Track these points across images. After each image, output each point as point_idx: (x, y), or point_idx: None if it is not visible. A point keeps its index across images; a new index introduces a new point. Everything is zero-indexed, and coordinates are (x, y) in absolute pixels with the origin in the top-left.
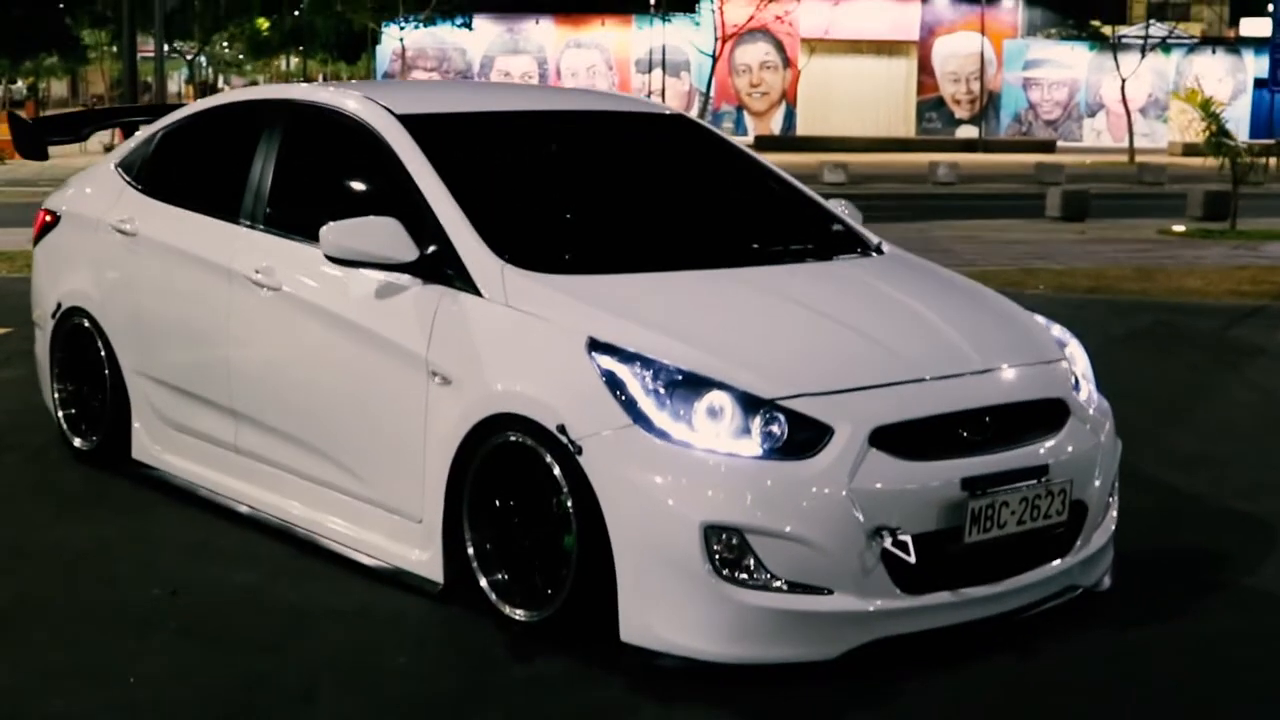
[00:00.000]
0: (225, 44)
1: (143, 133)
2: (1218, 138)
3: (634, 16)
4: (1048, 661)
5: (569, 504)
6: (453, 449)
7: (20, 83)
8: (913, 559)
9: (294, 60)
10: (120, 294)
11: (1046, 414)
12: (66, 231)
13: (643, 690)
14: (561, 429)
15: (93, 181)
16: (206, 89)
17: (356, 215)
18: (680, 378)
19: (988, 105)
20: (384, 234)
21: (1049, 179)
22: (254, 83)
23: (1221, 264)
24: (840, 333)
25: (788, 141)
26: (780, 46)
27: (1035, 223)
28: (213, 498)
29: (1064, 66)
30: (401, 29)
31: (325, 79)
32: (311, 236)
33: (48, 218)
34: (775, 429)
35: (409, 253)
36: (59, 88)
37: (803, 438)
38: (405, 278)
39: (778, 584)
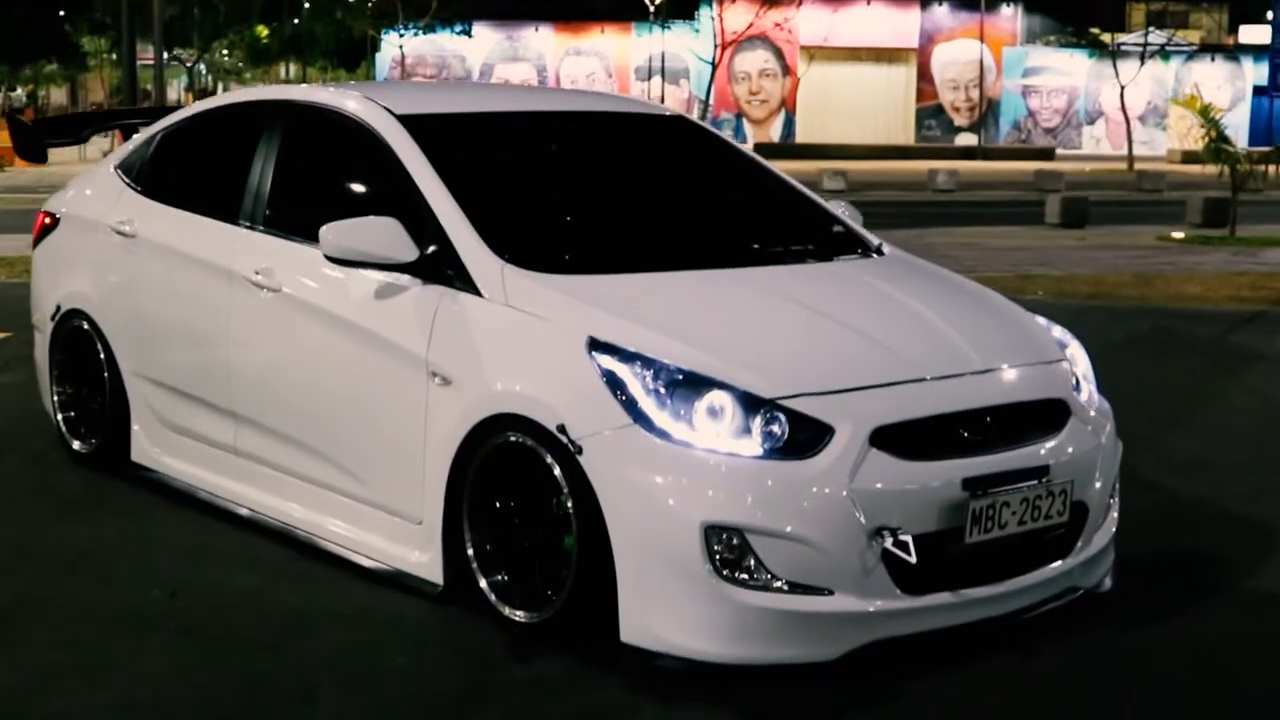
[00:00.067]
0: (225, 51)
1: (142, 134)
2: (1217, 144)
3: (633, 24)
4: (1049, 663)
5: (569, 504)
6: (453, 450)
7: (19, 90)
8: (913, 559)
9: (294, 67)
10: (120, 296)
11: (1047, 414)
12: (66, 233)
13: (643, 691)
14: (562, 429)
15: (92, 183)
16: (206, 96)
17: (356, 216)
18: (681, 377)
19: (987, 113)
20: (384, 234)
21: (1048, 186)
22: None
23: (1221, 270)
24: (841, 332)
25: (787, 149)
26: (779, 54)
27: (1034, 229)
28: (212, 500)
29: (1063, 74)
30: (401, 36)
31: None
32: (311, 237)
33: (47, 220)
34: (776, 429)
35: (409, 253)
36: (58, 95)
37: (803, 437)
38: (405, 278)
39: (778, 584)
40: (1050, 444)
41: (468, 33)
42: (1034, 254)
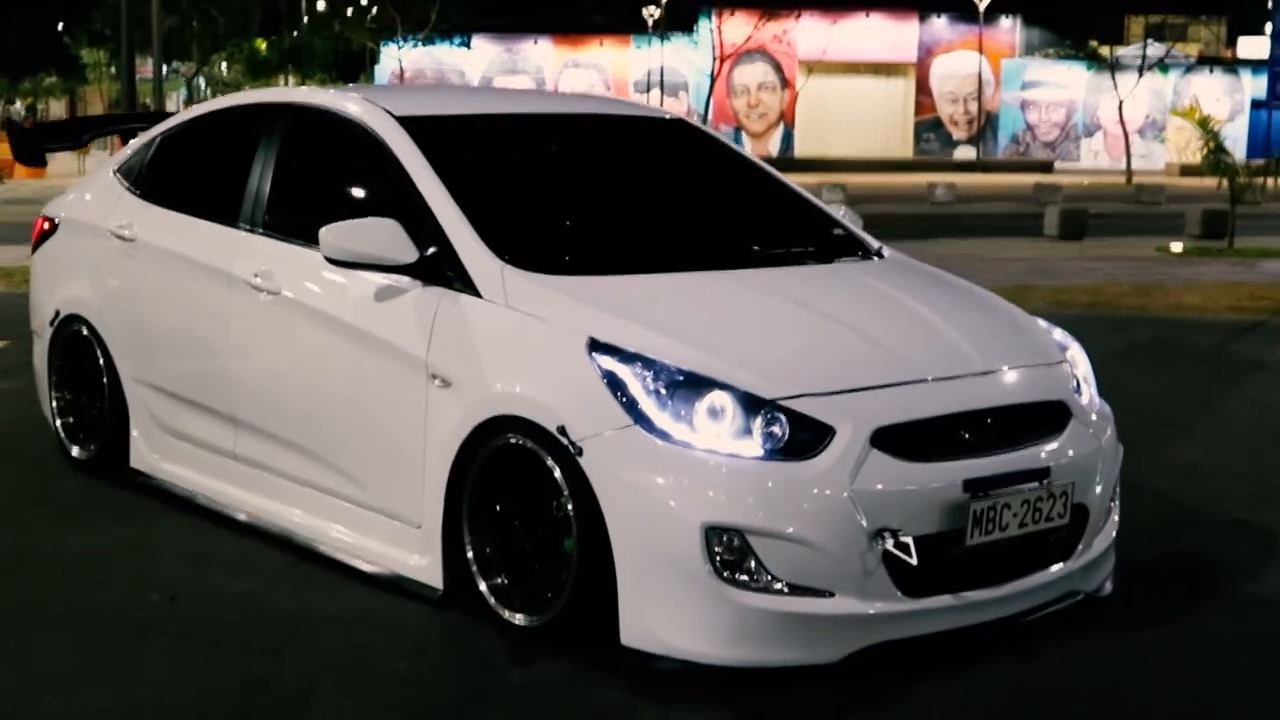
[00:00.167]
0: (224, 64)
1: (141, 138)
2: (1216, 154)
3: (632, 36)
4: (1049, 665)
5: (569, 506)
6: (452, 452)
7: (19, 103)
8: (914, 561)
9: (293, 80)
10: (119, 301)
11: (1048, 416)
12: (65, 238)
13: (643, 693)
14: (562, 430)
15: (91, 187)
16: None
17: (356, 218)
18: (681, 378)
19: (985, 126)
20: (383, 235)
21: (1047, 199)
22: None
23: (1220, 281)
24: (841, 333)
25: (785, 163)
26: (778, 67)
27: (1033, 241)
28: (211, 505)
29: (1061, 87)
30: (400, 48)
31: None
32: (311, 240)
33: (46, 225)
34: (776, 429)
35: (408, 254)
36: (57, 108)
37: (804, 438)
38: (405, 280)
39: (779, 586)
40: (1051, 446)
41: (466, 45)
42: (1033, 265)
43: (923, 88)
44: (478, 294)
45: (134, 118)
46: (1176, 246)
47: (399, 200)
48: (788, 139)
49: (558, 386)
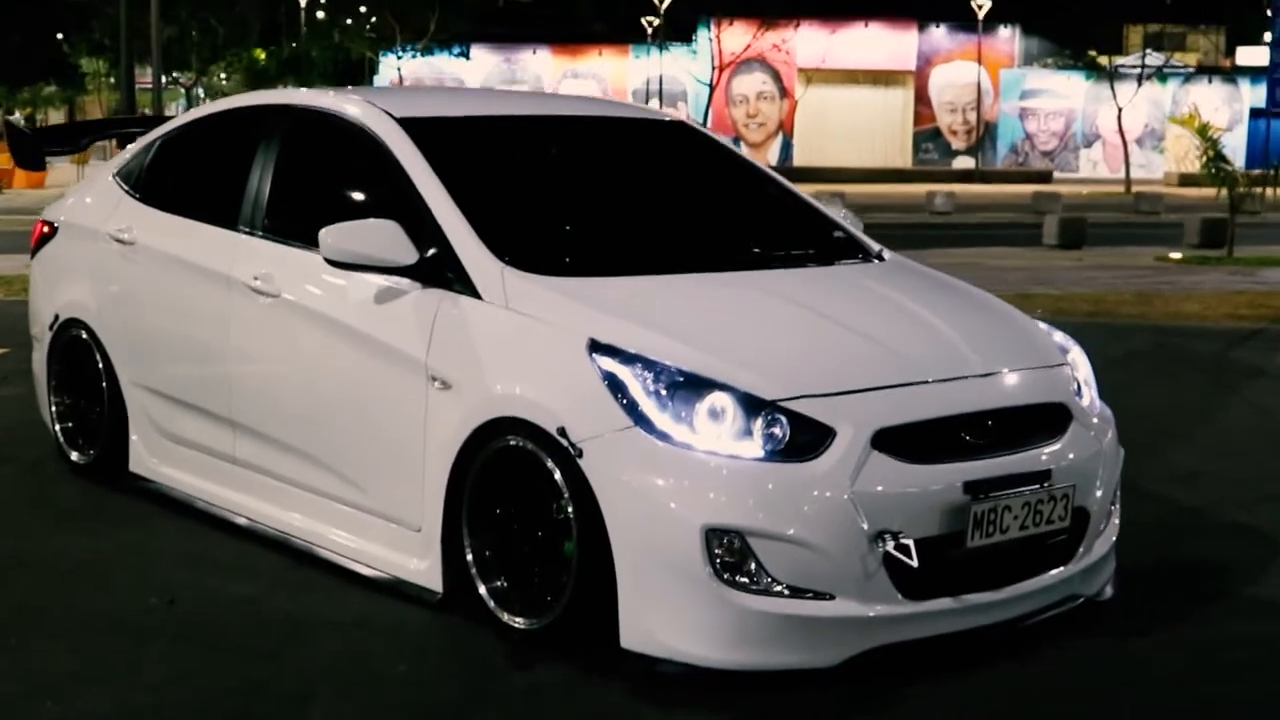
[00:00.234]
0: (223, 74)
1: (140, 141)
2: (1215, 163)
3: (631, 46)
4: (1049, 668)
5: (569, 508)
6: (452, 455)
7: (18, 112)
8: (915, 563)
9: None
10: (118, 304)
11: (1049, 418)
12: (64, 242)
13: (643, 696)
14: (562, 431)
15: (90, 191)
16: None
17: (356, 219)
18: (681, 379)
19: (984, 135)
20: (383, 236)
21: (1046, 208)
22: None
23: (1219, 289)
24: (842, 334)
25: (784, 172)
26: (777, 76)
27: (1032, 250)
28: (210, 509)
29: (1060, 96)
30: (399, 58)
31: None
32: (311, 242)
33: (45, 229)
34: (777, 430)
35: (408, 255)
36: (56, 117)
37: (805, 439)
38: (405, 281)
39: (779, 588)
40: (1052, 448)
41: (466, 55)
42: (1032, 274)
43: (921, 97)
44: (478, 295)
45: (133, 121)
46: (1176, 255)
47: (399, 202)
48: (786, 148)
49: (558, 388)
